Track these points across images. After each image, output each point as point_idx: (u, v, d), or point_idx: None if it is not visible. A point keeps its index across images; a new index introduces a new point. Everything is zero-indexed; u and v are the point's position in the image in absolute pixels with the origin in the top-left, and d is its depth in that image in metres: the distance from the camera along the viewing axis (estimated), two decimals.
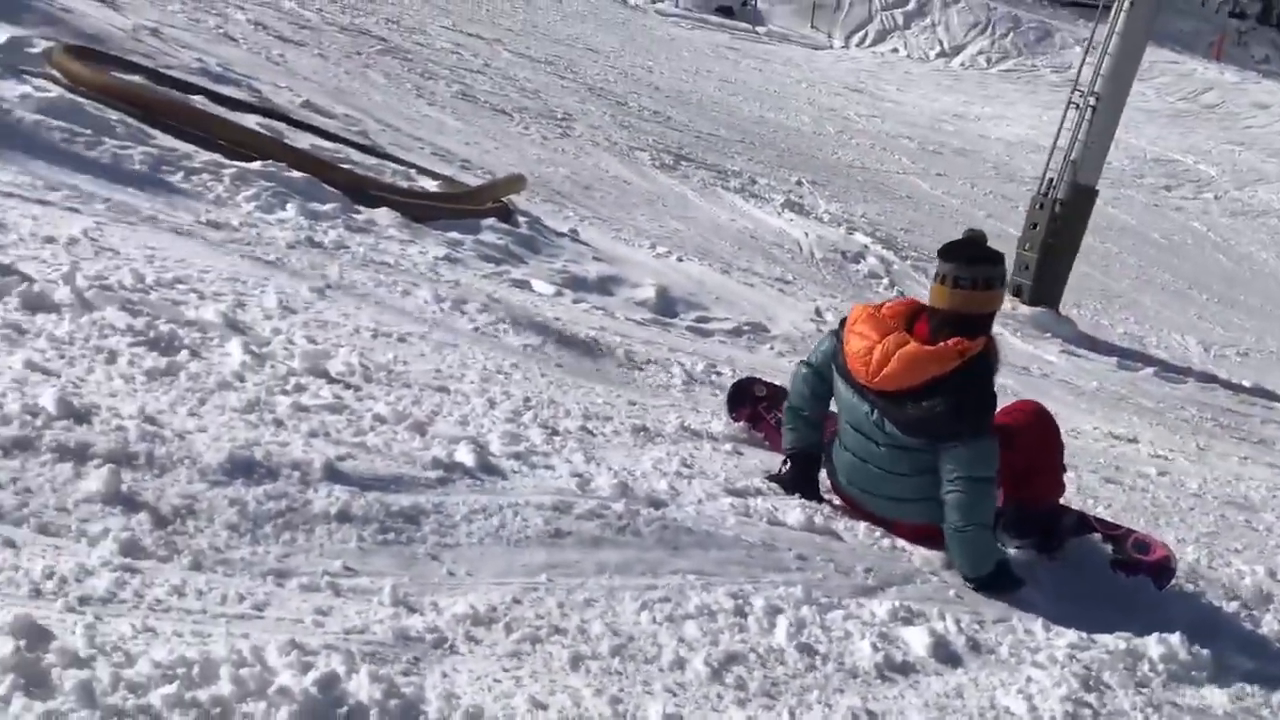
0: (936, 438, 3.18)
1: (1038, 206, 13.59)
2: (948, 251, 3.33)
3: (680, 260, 10.27)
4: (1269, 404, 13.39)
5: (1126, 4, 12.53)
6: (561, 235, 9.23)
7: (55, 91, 6.59)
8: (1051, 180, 13.66)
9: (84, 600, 1.67)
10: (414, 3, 17.23)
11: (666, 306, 8.74)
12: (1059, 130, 13.64)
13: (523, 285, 6.93)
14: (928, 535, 3.32)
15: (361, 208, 7.42)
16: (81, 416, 2.20)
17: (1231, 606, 3.82)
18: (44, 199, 3.92)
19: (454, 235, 7.96)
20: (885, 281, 12.93)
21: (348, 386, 3.01)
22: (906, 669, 2.48)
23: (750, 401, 4.14)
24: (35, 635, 1.50)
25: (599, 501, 2.75)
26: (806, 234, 13.54)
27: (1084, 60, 13.45)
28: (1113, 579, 3.61)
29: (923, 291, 14.32)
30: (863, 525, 3.35)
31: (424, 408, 3.06)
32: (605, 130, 14.60)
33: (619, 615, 2.24)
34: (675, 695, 2.00)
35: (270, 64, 11.12)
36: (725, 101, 19.67)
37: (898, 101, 22.28)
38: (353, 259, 4.93)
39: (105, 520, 1.92)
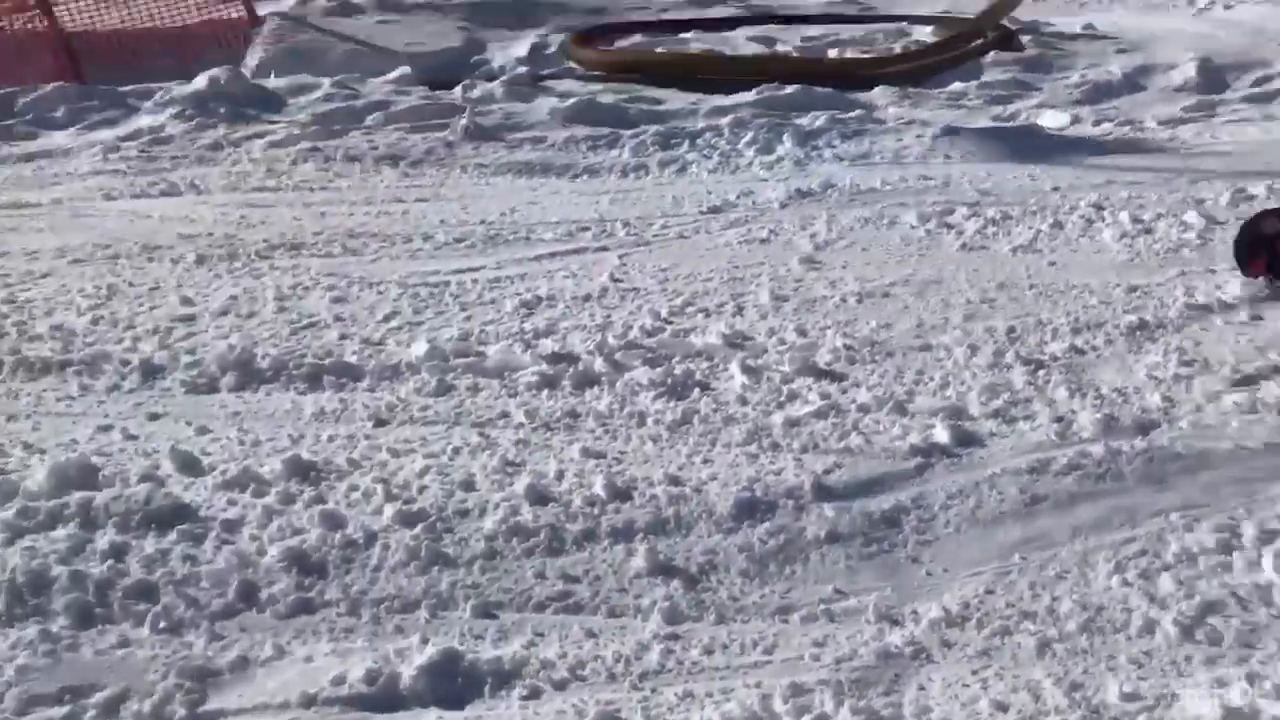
0: None
1: None
2: None
3: (1228, 8, 9.19)
4: None
5: None
6: (1076, 37, 8.71)
7: (575, 95, 7.59)
8: None
9: (642, 677, 2.29)
10: None
11: (1213, 81, 7.95)
12: None
13: (1028, 132, 6.76)
14: None
15: (856, 95, 7.68)
16: (624, 494, 2.86)
17: None
18: (579, 246, 4.74)
19: (955, 87, 7.93)
20: None
21: (834, 379, 3.43)
22: None
23: (1265, 245, 3.90)
24: None
25: (1077, 449, 2.93)
26: None
27: None
28: None
29: None
30: None
31: (905, 380, 3.40)
32: None
33: (1090, 585, 2.46)
34: (1140, 666, 2.21)
35: None
36: None
37: None
38: (840, 196, 5.26)
39: (651, 592, 2.54)
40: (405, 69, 8.00)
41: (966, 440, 3.03)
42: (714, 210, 5.14)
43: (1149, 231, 4.48)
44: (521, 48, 8.99)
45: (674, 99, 7.60)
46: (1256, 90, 7.65)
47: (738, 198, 5.32)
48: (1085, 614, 2.38)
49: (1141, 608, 2.38)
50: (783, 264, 4.41)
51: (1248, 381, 3.25)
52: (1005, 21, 8.82)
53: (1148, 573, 2.49)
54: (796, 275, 4.29)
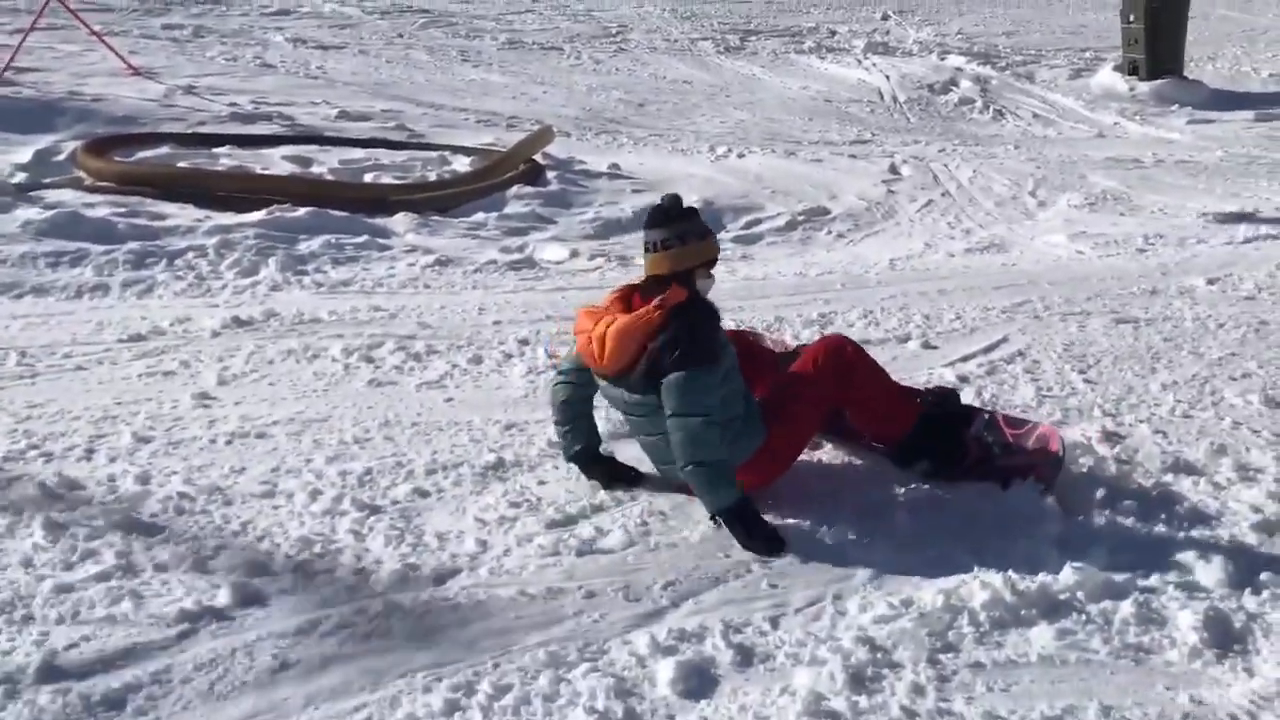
0: (656, 379, 3.22)
1: None
2: (647, 220, 3.41)
3: (740, 157, 10.02)
4: None
5: None
6: (599, 176, 9.12)
7: (63, 207, 7.06)
8: None
9: None
10: None
11: (711, 220, 8.51)
12: None
13: (522, 265, 6.92)
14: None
15: (376, 220, 7.63)
16: None
17: (1149, 484, 3.53)
18: None
19: (477, 217, 8.04)
20: (978, 105, 12.17)
21: (145, 534, 3.18)
22: None
23: None
24: None
25: (359, 605, 2.83)
26: (888, 77, 12.90)
27: None
28: (997, 497, 3.40)
29: (1024, 101, 13.20)
30: (701, 526, 3.30)
31: (224, 533, 3.21)
32: (663, 30, 14.25)
33: None
34: None
35: (308, 81, 11.44)
36: None
37: None
38: (279, 326, 5.08)
39: None
40: None
41: (250, 600, 2.87)
42: (135, 339, 4.82)
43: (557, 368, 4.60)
44: (25, 153, 8.32)
45: (180, 215, 7.24)
46: (746, 232, 8.29)
47: (171, 324, 5.03)
48: None
49: None
50: (172, 400, 4.16)
51: (567, 522, 3.32)
52: (537, 157, 9.14)
53: None
54: (179, 413, 4.04)
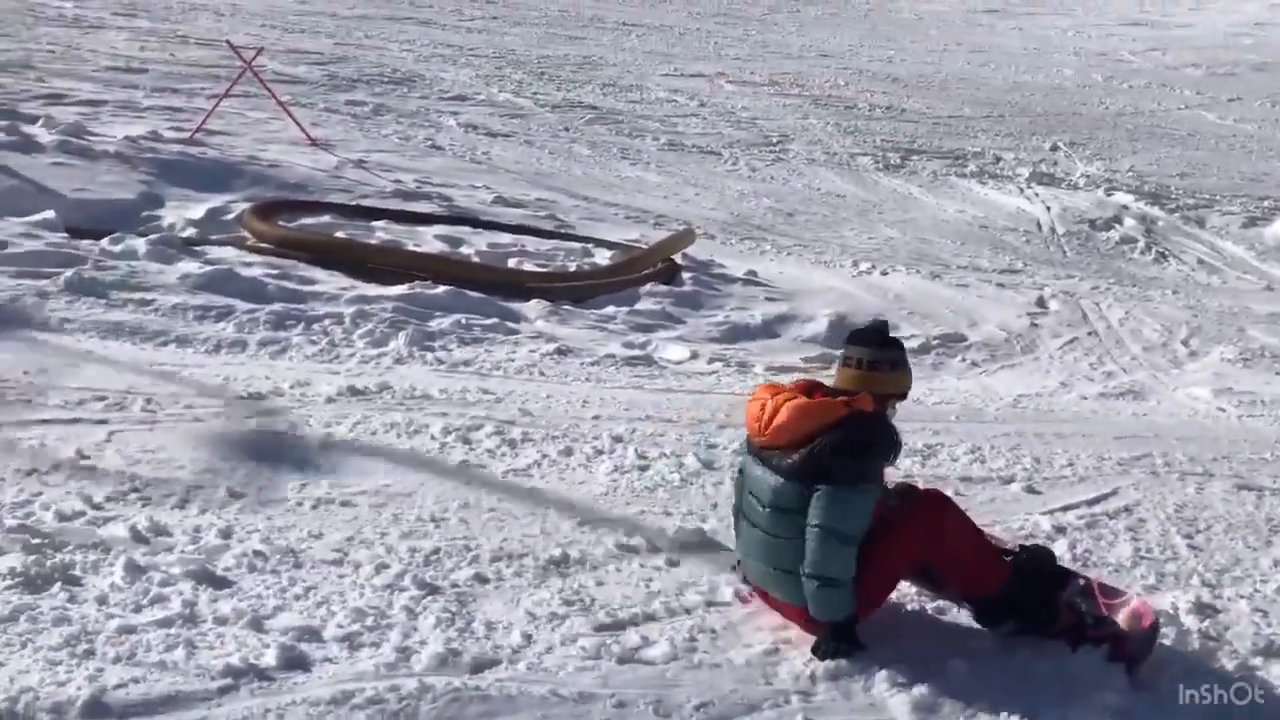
0: (810, 479, 3.19)
1: None
2: (855, 337, 3.45)
3: (884, 274, 9.97)
4: None
5: None
6: (735, 280, 9.20)
7: (221, 264, 7.49)
8: None
9: None
10: (634, 59, 17.71)
11: (840, 336, 8.47)
12: None
13: (639, 362, 6.99)
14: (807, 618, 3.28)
15: (510, 304, 7.85)
16: None
17: (1233, 665, 3.31)
18: (77, 416, 4.57)
19: (608, 310, 8.18)
20: (1140, 245, 11.84)
21: (218, 586, 3.33)
22: None
23: None
24: None
25: (394, 683, 2.89)
26: (1049, 208, 12.68)
27: None
28: (1060, 657, 3.25)
29: (1190, 246, 12.82)
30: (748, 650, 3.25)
31: (287, 594, 3.33)
32: (825, 143, 14.35)
33: None
34: None
35: (472, 165, 11.90)
36: (973, 75, 18.67)
37: (1186, 25, 20.13)
38: (390, 398, 5.27)
39: None
40: (49, 213, 7.78)
41: (294, 664, 2.96)
42: (254, 396, 5.07)
43: (644, 469, 4.63)
44: (199, 210, 8.90)
45: (327, 282, 7.59)
46: None
47: (291, 387, 5.27)
48: None
49: None
50: (273, 459, 4.34)
51: (615, 627, 3.32)
52: (676, 257, 9.29)
53: None
54: (275, 473, 4.21)
